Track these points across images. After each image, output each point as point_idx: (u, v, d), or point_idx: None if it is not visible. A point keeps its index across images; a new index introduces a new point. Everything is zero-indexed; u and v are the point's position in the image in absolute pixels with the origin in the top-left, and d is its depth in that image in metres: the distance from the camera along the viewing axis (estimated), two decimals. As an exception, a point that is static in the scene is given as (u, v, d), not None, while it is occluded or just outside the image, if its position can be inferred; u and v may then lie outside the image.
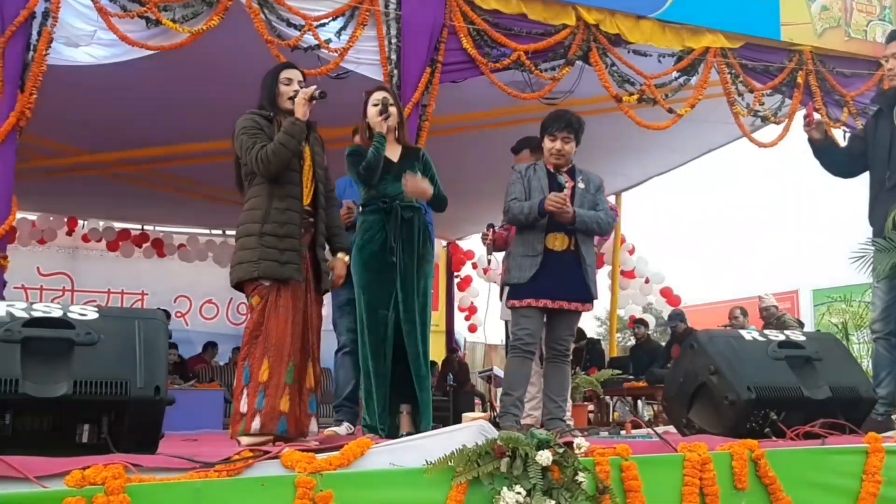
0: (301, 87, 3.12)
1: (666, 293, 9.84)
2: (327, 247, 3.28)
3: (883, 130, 3.65)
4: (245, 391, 2.89)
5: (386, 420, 3.35)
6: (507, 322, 4.28)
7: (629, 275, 9.52)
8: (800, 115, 5.03)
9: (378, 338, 3.37)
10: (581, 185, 3.66)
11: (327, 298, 3.65)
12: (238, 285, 3.04)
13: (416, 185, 3.40)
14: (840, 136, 5.01)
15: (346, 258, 3.22)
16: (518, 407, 3.55)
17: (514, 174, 3.75)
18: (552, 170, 3.68)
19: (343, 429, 3.97)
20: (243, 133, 3.04)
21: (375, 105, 3.46)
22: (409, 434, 3.24)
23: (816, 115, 3.94)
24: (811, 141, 3.85)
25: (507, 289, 3.76)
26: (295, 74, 3.17)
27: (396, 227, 3.42)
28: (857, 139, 3.89)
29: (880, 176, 3.61)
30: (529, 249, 3.59)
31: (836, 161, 3.89)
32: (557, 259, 3.57)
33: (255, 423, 2.86)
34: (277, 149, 2.96)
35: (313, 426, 3.04)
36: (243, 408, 2.88)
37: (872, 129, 3.75)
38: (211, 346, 9.31)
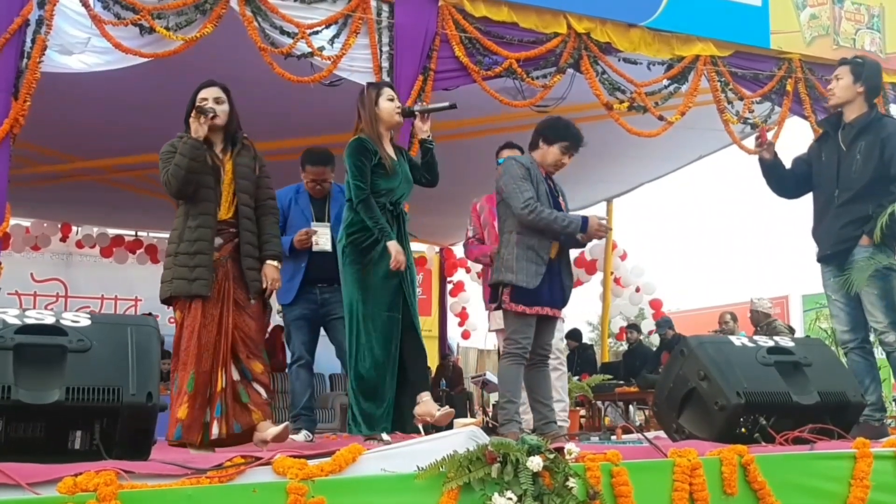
0: (218, 104, 3.19)
1: (655, 305, 9.87)
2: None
3: (829, 152, 3.79)
4: (177, 401, 3.11)
5: (389, 424, 3.34)
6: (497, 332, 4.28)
7: (618, 282, 9.57)
8: (789, 122, 5.10)
9: (391, 340, 3.34)
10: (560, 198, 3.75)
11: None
12: (166, 303, 3.24)
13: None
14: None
15: (276, 263, 3.29)
16: (520, 414, 3.59)
17: (520, 168, 3.61)
18: (546, 178, 3.71)
19: (301, 436, 4.01)
20: (160, 159, 3.21)
21: (391, 100, 3.46)
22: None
23: (768, 136, 4.09)
24: (761, 161, 3.99)
25: (505, 290, 3.59)
26: (210, 92, 3.23)
27: (401, 229, 3.43)
28: (801, 162, 4.01)
29: (827, 195, 3.74)
30: (536, 257, 3.54)
31: (783, 182, 4.04)
32: (553, 266, 3.63)
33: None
34: (173, 170, 3.11)
35: (214, 429, 3.13)
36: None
37: (817, 152, 3.91)
38: None
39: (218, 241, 3.18)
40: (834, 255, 3.66)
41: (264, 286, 3.25)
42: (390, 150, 3.47)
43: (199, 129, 3.13)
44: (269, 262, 3.29)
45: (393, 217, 3.40)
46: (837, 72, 3.83)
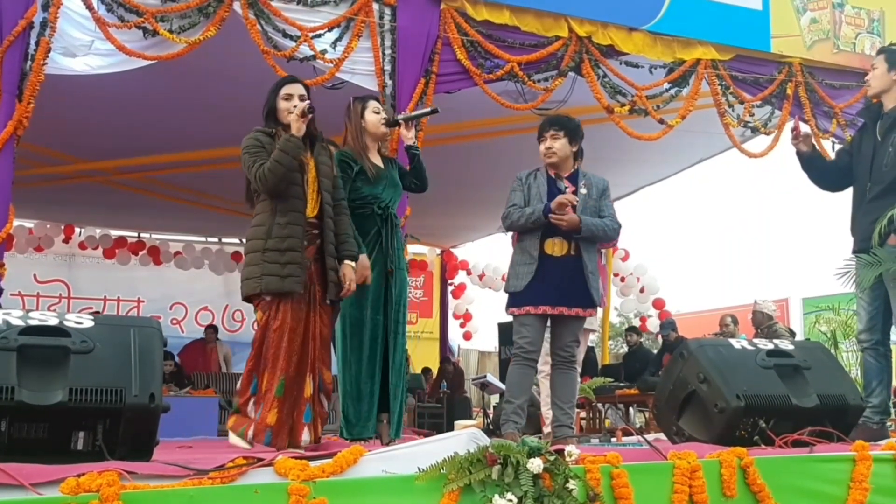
0: (302, 101, 3.18)
1: (658, 304, 9.90)
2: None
3: (867, 144, 3.72)
4: (252, 400, 3.07)
5: (374, 427, 3.41)
6: (500, 329, 4.32)
7: (623, 280, 9.59)
8: (789, 126, 5.10)
9: (375, 343, 3.41)
10: (583, 191, 3.65)
11: None
12: (247, 299, 3.18)
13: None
14: (829, 147, 5.08)
15: (354, 264, 3.24)
16: (520, 415, 3.56)
17: (515, 181, 3.75)
18: (552, 175, 3.69)
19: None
20: (245, 152, 3.14)
21: (377, 113, 3.56)
22: (389, 443, 3.31)
23: (804, 128, 4.00)
24: (799, 154, 3.91)
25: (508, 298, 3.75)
26: (296, 89, 3.22)
27: (391, 233, 3.48)
28: (843, 153, 3.96)
29: (862, 188, 3.67)
30: (526, 256, 3.59)
31: (824, 174, 3.95)
32: (556, 264, 3.56)
33: (250, 433, 3.04)
34: (273, 166, 3.05)
35: (305, 435, 3.09)
36: (251, 413, 3.07)
37: (857, 143, 3.82)
38: (210, 330, 9.15)
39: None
40: (864, 253, 3.54)
41: (343, 287, 3.19)
42: (377, 159, 3.56)
43: (301, 127, 3.10)
44: (346, 262, 3.22)
45: (382, 220, 3.48)
46: (874, 61, 3.79)
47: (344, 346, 3.43)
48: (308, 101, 3.16)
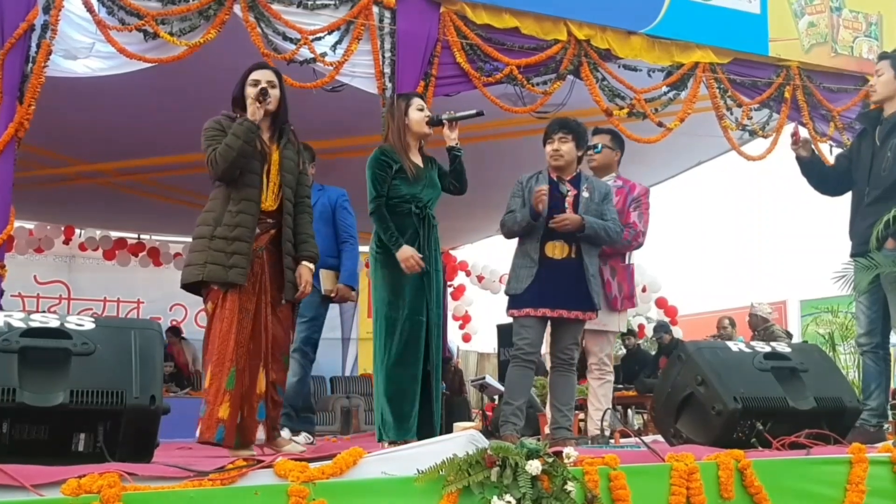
0: (272, 88, 3.07)
1: (661, 303, 9.90)
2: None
3: (865, 149, 3.76)
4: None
5: (416, 428, 3.31)
6: (499, 331, 4.33)
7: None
8: (787, 129, 5.12)
9: (418, 344, 3.36)
10: (585, 194, 3.66)
11: None
12: (189, 289, 3.02)
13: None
14: (827, 151, 5.10)
15: (311, 266, 3.13)
16: (518, 416, 3.57)
17: (516, 185, 3.75)
18: (555, 178, 3.71)
19: (302, 438, 4.02)
20: (203, 137, 3.04)
21: (420, 111, 3.53)
22: None
23: (803, 134, 4.03)
24: (799, 159, 3.94)
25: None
26: (263, 75, 3.11)
27: (429, 233, 3.46)
28: (842, 158, 4.00)
29: (861, 192, 3.71)
30: (527, 259, 3.61)
31: (823, 179, 3.99)
32: (557, 267, 3.58)
33: (198, 432, 2.89)
34: (224, 150, 2.94)
35: (260, 433, 3.01)
36: (201, 413, 2.93)
37: (856, 148, 3.87)
38: (171, 333, 8.85)
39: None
40: (861, 256, 3.59)
41: (299, 288, 3.06)
42: (417, 159, 3.52)
43: (256, 111, 2.97)
44: (304, 263, 3.09)
45: (419, 220, 3.44)
46: (878, 67, 3.78)
47: (379, 346, 3.37)
48: (262, 86, 3.02)
